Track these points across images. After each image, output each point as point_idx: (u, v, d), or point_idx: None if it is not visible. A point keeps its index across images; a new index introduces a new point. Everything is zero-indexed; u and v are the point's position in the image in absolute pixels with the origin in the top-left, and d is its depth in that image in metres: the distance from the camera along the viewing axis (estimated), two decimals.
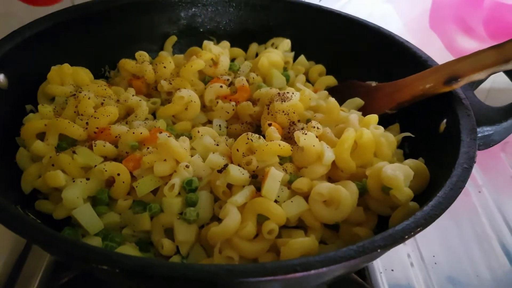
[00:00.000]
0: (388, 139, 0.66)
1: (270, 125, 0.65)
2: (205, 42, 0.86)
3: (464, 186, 0.52)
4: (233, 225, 0.53)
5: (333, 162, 0.62)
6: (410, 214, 0.54)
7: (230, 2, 0.94)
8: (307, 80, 0.91)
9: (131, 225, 0.58)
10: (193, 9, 0.93)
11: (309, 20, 0.92)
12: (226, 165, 0.59)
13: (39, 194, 0.62)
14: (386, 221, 0.59)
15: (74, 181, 0.58)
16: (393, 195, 0.55)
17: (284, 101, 0.68)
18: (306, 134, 0.60)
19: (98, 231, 0.56)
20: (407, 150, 0.73)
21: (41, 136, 0.65)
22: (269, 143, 0.60)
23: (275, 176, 0.56)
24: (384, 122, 0.75)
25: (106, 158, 0.62)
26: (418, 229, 0.46)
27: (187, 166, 0.59)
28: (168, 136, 0.60)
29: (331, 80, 0.89)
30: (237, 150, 0.61)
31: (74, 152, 0.60)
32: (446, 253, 0.83)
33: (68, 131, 0.63)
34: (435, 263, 0.81)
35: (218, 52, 0.84)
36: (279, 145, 0.60)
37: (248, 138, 0.61)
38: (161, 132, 0.61)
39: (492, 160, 1.05)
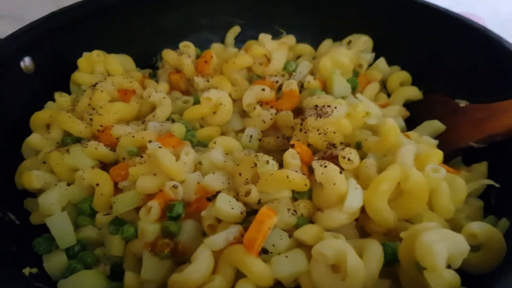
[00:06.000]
0: (455, 186, 0.47)
1: (292, 146, 0.51)
2: (261, 35, 0.73)
3: None
4: (197, 276, 0.41)
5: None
6: None
7: None
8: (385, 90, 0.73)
9: (105, 245, 0.50)
10: None
11: (400, 15, 0.74)
12: (218, 192, 0.47)
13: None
14: None
15: (56, 185, 0.51)
16: (426, 278, 0.37)
17: (320, 117, 0.53)
18: (325, 167, 0.45)
19: (69, 245, 0.49)
20: (493, 201, 0.52)
21: None
22: (275, 172, 0.46)
23: (263, 221, 0.41)
24: (470, 157, 0.55)
25: (102, 163, 0.55)
26: None
27: (174, 186, 0.48)
28: (160, 147, 0.50)
29: (413, 92, 0.70)
30: (240, 174, 0.48)
31: (68, 151, 0.54)
32: None
33: (67, 127, 0.56)
34: None
35: (273, 48, 0.71)
36: (288, 177, 0.45)
37: (254, 162, 0.48)
38: (150, 141, 0.50)
39: None
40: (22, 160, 0.59)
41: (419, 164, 0.47)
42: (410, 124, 0.65)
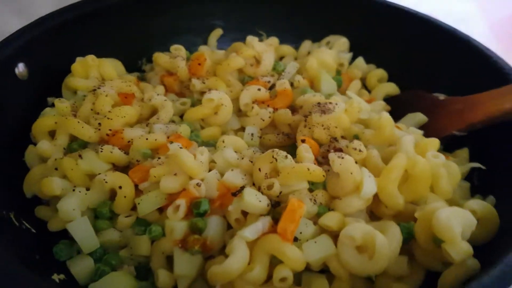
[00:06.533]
0: (451, 170, 0.53)
1: (303, 141, 0.55)
2: (249, 38, 0.77)
3: None
4: (237, 266, 0.43)
5: (377, 195, 0.50)
6: (467, 275, 0.42)
7: None
8: (364, 87, 0.79)
9: (130, 246, 0.51)
10: (244, 1, 0.84)
11: (372, 17, 0.80)
12: (242, 188, 0.50)
13: (44, 199, 0.57)
14: (436, 277, 0.46)
15: (74, 190, 0.51)
16: (445, 250, 0.43)
17: (325, 113, 0.57)
18: (343, 158, 0.49)
19: (93, 250, 0.50)
20: (476, 182, 0.60)
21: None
22: (296, 166, 0.49)
23: (296, 210, 0.45)
24: (451, 145, 0.62)
25: (115, 166, 0.56)
26: None
27: (198, 185, 0.50)
28: (181, 147, 0.52)
29: (392, 88, 0.76)
30: (259, 169, 0.51)
31: (80, 156, 0.54)
32: None
33: (76, 132, 0.57)
34: None
35: (262, 49, 0.74)
36: (308, 169, 0.49)
37: (273, 157, 0.51)
38: (171, 142, 0.52)
39: None
40: (22, 168, 0.58)
41: (419, 152, 0.52)
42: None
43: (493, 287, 0.36)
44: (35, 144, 0.58)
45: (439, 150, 0.56)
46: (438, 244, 0.44)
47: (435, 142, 0.53)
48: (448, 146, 0.63)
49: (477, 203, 0.49)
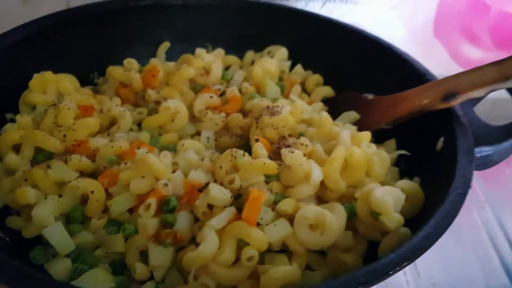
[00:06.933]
0: (382, 157, 0.62)
1: (257, 140, 0.62)
2: (198, 50, 0.83)
3: (457, 214, 0.49)
4: (209, 251, 0.49)
5: (322, 182, 0.58)
6: (401, 241, 0.51)
7: (227, 8, 0.91)
8: (304, 90, 0.88)
9: (104, 245, 0.55)
10: (188, 15, 0.90)
11: (307, 28, 0.89)
12: (207, 184, 0.56)
13: (12, 209, 0.59)
14: (377, 246, 0.55)
15: (46, 198, 0.55)
16: (382, 221, 0.52)
17: (273, 115, 0.65)
18: (293, 152, 0.57)
19: (69, 251, 0.53)
20: (403, 167, 0.69)
21: (18, 147, 0.62)
22: (254, 161, 0.56)
23: (257, 199, 0.52)
24: (381, 137, 0.72)
25: (82, 173, 0.59)
26: (405, 263, 0.43)
27: (165, 184, 0.55)
28: (147, 152, 0.57)
29: (328, 91, 0.86)
30: (220, 167, 0.58)
31: (48, 166, 0.57)
32: (446, 274, 0.79)
33: (43, 144, 0.60)
34: (434, 285, 0.77)
35: (211, 60, 0.80)
36: (264, 163, 0.56)
37: (232, 155, 0.57)
38: (139, 148, 0.57)
39: (496, 175, 1.00)
40: None
41: (355, 143, 0.61)
42: None
43: (420, 245, 0.45)
44: None
45: (371, 142, 0.65)
46: (376, 217, 0.53)
47: (367, 135, 0.63)
48: (378, 138, 0.72)
49: (404, 183, 0.58)
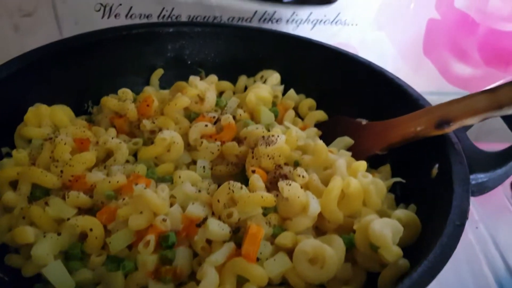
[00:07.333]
0: (378, 186, 0.63)
1: (253, 172, 0.62)
2: (191, 78, 0.83)
3: (456, 246, 0.49)
4: None
5: (320, 212, 0.59)
6: (400, 273, 0.51)
7: (219, 34, 0.92)
8: (297, 114, 0.88)
9: (104, 282, 0.55)
10: (181, 41, 0.91)
11: (299, 52, 0.90)
12: (205, 219, 0.56)
13: (10, 247, 0.59)
14: (376, 277, 0.55)
15: (44, 236, 0.55)
16: (381, 254, 0.52)
17: (269, 145, 0.65)
18: (290, 185, 0.57)
19: None
20: (399, 193, 0.70)
21: (16, 182, 0.62)
22: (251, 195, 0.57)
23: (256, 235, 0.52)
24: (375, 161, 0.72)
25: (80, 209, 0.59)
26: None
27: (164, 220, 0.55)
28: (145, 188, 0.57)
29: (321, 115, 0.87)
30: (218, 201, 0.58)
31: (46, 203, 0.57)
32: None
33: (41, 181, 0.60)
34: None
35: (204, 88, 0.81)
36: (262, 197, 0.56)
37: (229, 188, 0.58)
38: (136, 184, 0.57)
39: (490, 193, 1.01)
40: None
41: (351, 173, 0.62)
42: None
43: (421, 280, 0.45)
44: None
45: (367, 168, 0.66)
46: (375, 249, 0.53)
47: (363, 164, 0.63)
48: (372, 164, 0.73)
49: (401, 212, 0.59)
